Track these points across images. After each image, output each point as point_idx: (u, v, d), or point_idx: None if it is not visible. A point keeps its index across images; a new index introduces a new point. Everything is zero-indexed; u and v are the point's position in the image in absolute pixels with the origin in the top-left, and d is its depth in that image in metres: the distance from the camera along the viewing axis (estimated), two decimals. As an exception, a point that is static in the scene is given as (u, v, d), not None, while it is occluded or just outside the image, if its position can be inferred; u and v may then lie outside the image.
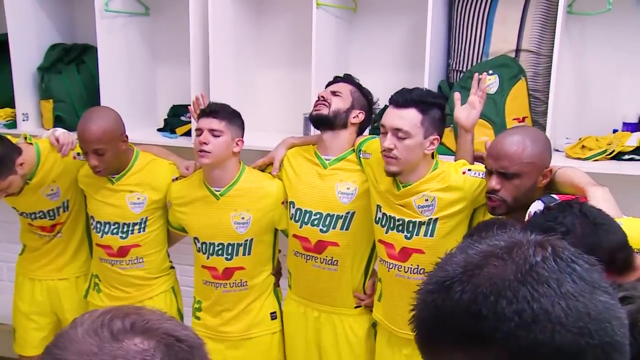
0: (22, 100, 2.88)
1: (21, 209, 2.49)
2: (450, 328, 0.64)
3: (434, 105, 1.99)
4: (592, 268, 0.63)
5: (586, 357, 0.59)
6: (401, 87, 2.02)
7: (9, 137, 2.35)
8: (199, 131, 2.17)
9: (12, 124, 2.83)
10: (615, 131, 2.28)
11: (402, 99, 1.97)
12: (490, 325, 0.60)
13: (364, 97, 2.24)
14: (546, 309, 0.59)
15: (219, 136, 2.15)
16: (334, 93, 2.21)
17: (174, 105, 2.86)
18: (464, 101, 2.04)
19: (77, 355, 0.65)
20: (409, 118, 1.95)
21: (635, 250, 1.46)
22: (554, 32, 2.13)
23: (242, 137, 2.23)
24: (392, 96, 2.04)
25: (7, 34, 2.80)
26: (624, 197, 1.76)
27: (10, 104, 2.90)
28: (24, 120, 2.87)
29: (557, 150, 2.27)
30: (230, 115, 2.23)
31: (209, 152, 2.15)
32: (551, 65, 2.14)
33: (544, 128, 2.16)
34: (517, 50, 2.26)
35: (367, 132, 2.27)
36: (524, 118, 2.23)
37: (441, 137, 2.02)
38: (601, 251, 1.36)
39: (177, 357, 0.67)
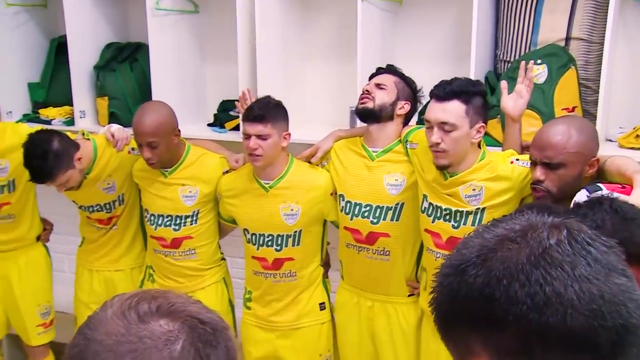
0: (80, 98, 2.94)
1: (80, 202, 2.56)
2: (464, 310, 0.64)
3: (475, 94, 1.96)
4: (609, 250, 0.62)
5: (598, 339, 0.59)
6: (449, 79, 1.99)
7: (67, 133, 2.42)
8: (247, 136, 2.18)
9: (70, 121, 2.90)
10: (671, 120, 2.18)
11: (443, 91, 1.96)
12: (502, 308, 0.60)
13: (409, 87, 2.23)
14: (559, 292, 0.59)
15: (266, 139, 2.17)
16: (378, 86, 2.20)
17: (223, 101, 2.88)
18: (510, 91, 2.01)
19: (105, 335, 0.66)
20: (453, 110, 1.94)
21: None
22: (607, 19, 2.07)
23: (288, 129, 2.24)
24: (432, 90, 2.03)
25: (65, 35, 2.86)
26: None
27: (69, 102, 2.96)
28: (81, 118, 2.92)
29: (610, 140, 2.23)
30: (274, 115, 2.23)
31: (260, 156, 2.17)
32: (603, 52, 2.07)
33: (594, 117, 2.11)
34: (567, 39, 2.22)
35: (413, 121, 2.25)
36: (573, 108, 2.18)
37: (486, 124, 2.01)
38: (633, 246, 1.30)
39: (200, 338, 0.67)
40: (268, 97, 2.27)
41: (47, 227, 2.82)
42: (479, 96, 1.97)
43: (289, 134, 2.22)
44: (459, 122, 1.92)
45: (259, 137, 2.16)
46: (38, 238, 2.80)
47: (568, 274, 0.60)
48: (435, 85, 2.00)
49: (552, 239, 0.62)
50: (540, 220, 0.65)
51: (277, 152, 2.23)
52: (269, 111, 2.19)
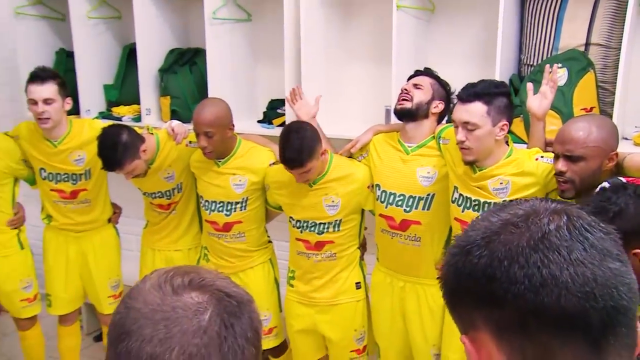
0: (146, 97, 3.06)
1: (144, 189, 2.70)
2: (468, 288, 0.65)
3: (497, 95, 2.01)
4: (606, 237, 0.63)
5: (590, 319, 0.60)
6: (476, 80, 2.05)
7: (135, 128, 2.57)
8: (295, 176, 2.26)
9: (138, 118, 3.05)
10: (684, 120, 2.23)
11: (466, 94, 2.01)
12: (502, 287, 0.61)
13: (443, 88, 2.28)
14: (554, 275, 0.60)
15: (309, 171, 2.23)
16: (415, 86, 2.25)
17: (271, 100, 2.97)
18: (535, 92, 2.05)
19: (143, 304, 0.70)
20: (475, 111, 1.99)
21: None
22: (624, 26, 2.11)
23: (324, 149, 2.29)
24: (458, 93, 2.08)
25: (135, 43, 3.01)
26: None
27: (137, 101, 3.10)
28: (147, 115, 3.05)
29: (626, 139, 2.26)
30: (306, 155, 2.21)
31: (309, 179, 2.30)
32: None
33: (611, 117, 2.14)
34: (587, 44, 2.27)
35: (445, 119, 2.32)
36: (591, 108, 2.23)
37: (511, 122, 2.04)
38: None
39: (226, 310, 0.70)
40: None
41: (116, 210, 2.95)
42: (502, 96, 2.01)
43: (326, 151, 2.31)
44: (480, 121, 1.97)
45: (306, 174, 2.25)
46: (109, 220, 2.93)
47: (564, 257, 0.61)
48: (462, 88, 2.05)
49: (551, 225, 0.63)
50: (542, 206, 0.66)
51: (324, 167, 2.33)
52: (304, 151, 2.22)
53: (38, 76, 2.57)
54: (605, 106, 2.27)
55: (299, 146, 2.19)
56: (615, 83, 2.15)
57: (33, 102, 2.54)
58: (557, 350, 0.61)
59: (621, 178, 1.69)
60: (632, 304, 0.62)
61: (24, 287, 2.93)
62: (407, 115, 2.24)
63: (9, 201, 2.80)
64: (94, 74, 3.09)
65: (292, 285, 2.54)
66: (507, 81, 2.36)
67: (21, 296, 2.93)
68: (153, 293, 0.70)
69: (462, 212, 2.11)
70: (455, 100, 2.24)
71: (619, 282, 0.61)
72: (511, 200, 0.71)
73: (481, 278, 0.63)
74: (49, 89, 2.55)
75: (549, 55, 2.33)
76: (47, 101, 2.54)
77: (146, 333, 0.67)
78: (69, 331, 3.02)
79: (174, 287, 0.70)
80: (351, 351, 2.49)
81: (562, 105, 2.23)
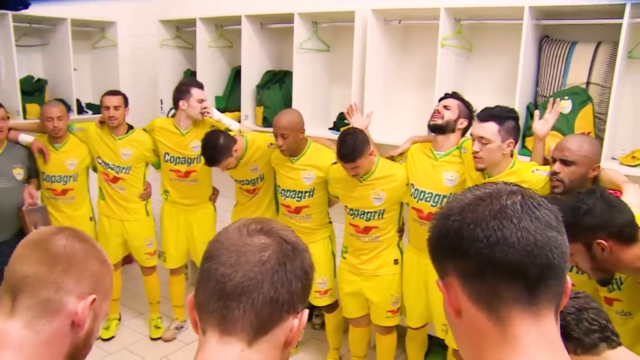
0: (245, 107, 3.44)
1: (235, 177, 3.10)
2: (444, 244, 0.73)
3: (508, 118, 2.18)
4: (550, 213, 0.71)
5: (528, 271, 0.68)
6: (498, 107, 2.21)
7: (231, 132, 2.95)
8: (347, 169, 2.45)
9: (238, 122, 3.31)
10: (659, 147, 2.39)
11: (484, 115, 2.20)
12: (467, 244, 0.69)
13: (467, 109, 2.46)
14: (506, 237, 0.68)
15: (359, 167, 2.41)
16: (445, 107, 2.43)
17: (340, 112, 3.25)
18: (541, 118, 2.25)
19: (225, 239, 0.78)
20: (489, 129, 2.17)
21: None
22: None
23: (371, 151, 2.48)
24: (477, 113, 2.27)
25: (240, 65, 3.43)
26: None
27: (239, 109, 3.48)
28: (244, 119, 3.43)
29: (614, 159, 2.44)
30: (357, 153, 2.38)
31: (357, 175, 2.46)
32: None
33: (603, 140, 2.32)
34: (588, 83, 2.48)
35: (468, 133, 2.45)
36: (588, 133, 2.43)
37: (516, 141, 2.21)
38: (613, 226, 1.54)
39: (283, 252, 0.77)
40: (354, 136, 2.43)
41: (215, 192, 3.38)
42: (511, 120, 2.18)
43: (372, 152, 2.51)
44: (492, 137, 2.16)
45: (354, 168, 2.47)
46: (210, 198, 3.36)
47: (515, 225, 0.68)
48: (480, 110, 2.25)
49: (508, 201, 0.70)
50: (504, 188, 0.73)
51: (371, 167, 2.53)
52: (356, 150, 2.40)
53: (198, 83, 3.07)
54: (599, 132, 2.48)
55: (352, 146, 2.41)
56: (608, 114, 2.35)
57: (200, 101, 3.02)
58: (502, 292, 0.69)
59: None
60: (562, 264, 0.70)
61: (148, 244, 3.40)
62: (437, 129, 2.45)
63: (141, 179, 3.32)
64: (208, 87, 3.35)
65: (344, 258, 2.77)
66: (524, 108, 2.58)
67: (146, 250, 3.40)
68: (234, 232, 0.78)
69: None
70: (475, 119, 2.35)
71: (554, 246, 0.69)
72: (484, 183, 0.78)
73: (453, 237, 0.70)
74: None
75: (558, 89, 2.53)
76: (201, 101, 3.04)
77: (223, 258, 0.75)
78: (177, 280, 3.51)
79: (249, 230, 0.78)
80: (388, 311, 2.77)
81: (566, 129, 2.44)
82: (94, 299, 0.91)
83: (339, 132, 2.92)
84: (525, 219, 0.69)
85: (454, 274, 0.72)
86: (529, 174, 2.20)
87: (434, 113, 2.48)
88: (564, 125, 2.46)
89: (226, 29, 3.63)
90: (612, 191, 1.85)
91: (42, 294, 0.87)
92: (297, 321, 0.78)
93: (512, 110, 2.26)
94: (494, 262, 0.68)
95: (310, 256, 0.82)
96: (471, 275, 0.70)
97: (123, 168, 3.25)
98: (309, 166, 2.79)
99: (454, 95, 2.51)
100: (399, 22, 3.00)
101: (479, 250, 0.68)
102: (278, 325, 0.76)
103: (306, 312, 0.81)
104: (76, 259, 0.90)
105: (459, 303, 0.72)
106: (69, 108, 3.54)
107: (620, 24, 2.27)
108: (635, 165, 2.34)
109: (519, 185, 0.75)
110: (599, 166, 2.05)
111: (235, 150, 2.83)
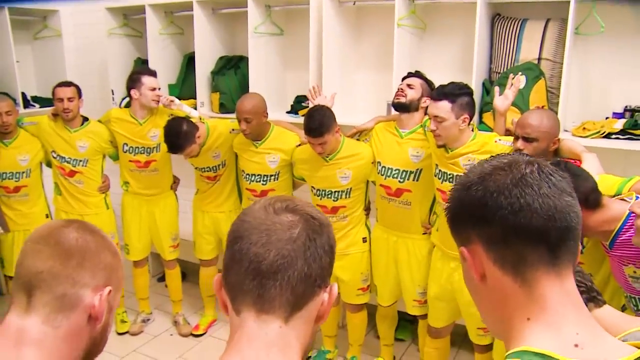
0: (201, 93, 3.39)
1: (196, 165, 3.07)
2: (467, 213, 0.75)
3: (460, 95, 2.18)
4: (563, 180, 0.74)
5: (550, 234, 0.70)
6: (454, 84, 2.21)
7: (192, 119, 2.90)
8: (314, 146, 2.44)
9: (194, 109, 3.20)
10: (607, 118, 2.50)
11: (437, 94, 2.22)
12: (492, 212, 0.71)
13: (430, 88, 2.45)
14: (528, 203, 0.70)
15: (326, 142, 2.44)
16: (409, 86, 2.44)
17: (297, 96, 3.26)
18: (500, 94, 2.29)
19: (252, 218, 0.77)
20: (442, 107, 2.18)
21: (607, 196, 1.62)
22: (565, 46, 2.36)
23: (337, 128, 2.48)
24: (430, 93, 2.29)
25: (194, 52, 3.37)
26: (609, 164, 2.02)
27: (194, 96, 3.43)
28: (200, 107, 3.37)
29: (566, 130, 2.50)
30: (325, 129, 2.38)
31: (324, 151, 2.47)
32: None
33: (556, 114, 2.33)
34: (539, 59, 2.55)
35: None
36: (542, 106, 2.48)
37: (472, 116, 2.22)
38: (578, 194, 1.57)
39: (311, 227, 0.77)
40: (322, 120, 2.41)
41: (176, 180, 3.32)
42: (464, 96, 2.19)
43: (339, 130, 2.51)
44: (446, 115, 2.18)
45: (322, 145, 2.46)
46: (171, 187, 3.30)
47: (536, 192, 0.70)
48: (434, 89, 2.26)
49: (527, 169, 0.73)
50: (520, 158, 0.76)
51: (337, 145, 2.50)
52: (323, 128, 2.42)
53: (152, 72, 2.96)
54: (552, 106, 2.54)
55: (320, 121, 2.43)
56: (560, 88, 2.41)
57: (153, 89, 2.93)
58: (527, 255, 0.71)
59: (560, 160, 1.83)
60: (577, 226, 0.73)
61: (172, 238, 3.31)
62: (402, 108, 2.47)
63: (99, 172, 3.21)
64: (161, 75, 3.26)
65: (313, 238, 2.82)
66: (480, 84, 2.64)
67: (170, 243, 3.30)
68: (260, 211, 0.78)
69: (442, 183, 2.34)
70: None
71: (570, 210, 0.72)
72: (498, 154, 0.81)
73: (477, 205, 0.73)
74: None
75: (511, 66, 2.59)
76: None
77: (253, 238, 0.75)
78: (141, 272, 3.44)
79: (275, 209, 0.78)
80: (358, 289, 2.79)
81: (521, 104, 2.50)
82: (110, 291, 0.89)
83: (297, 115, 2.97)
84: (544, 186, 0.71)
85: (478, 240, 0.74)
86: (493, 144, 2.24)
87: (397, 92, 2.49)
88: (519, 100, 2.51)
89: (177, 15, 3.55)
90: (572, 161, 1.91)
91: (58, 289, 0.84)
92: (327, 295, 0.79)
93: (465, 86, 2.28)
94: (519, 227, 0.70)
95: (333, 230, 0.82)
96: (496, 241, 0.72)
97: (80, 161, 3.14)
98: (273, 149, 2.79)
99: (417, 75, 2.53)
100: (354, 4, 3.00)
101: (503, 217, 0.70)
102: (312, 300, 0.77)
103: (335, 285, 0.82)
104: (89, 251, 0.88)
105: (484, 268, 0.74)
106: (14, 102, 3.34)
107: (568, 2, 2.32)
108: (586, 137, 2.40)
109: (530, 155, 0.78)
110: (559, 139, 2.11)
111: (198, 137, 2.80)
